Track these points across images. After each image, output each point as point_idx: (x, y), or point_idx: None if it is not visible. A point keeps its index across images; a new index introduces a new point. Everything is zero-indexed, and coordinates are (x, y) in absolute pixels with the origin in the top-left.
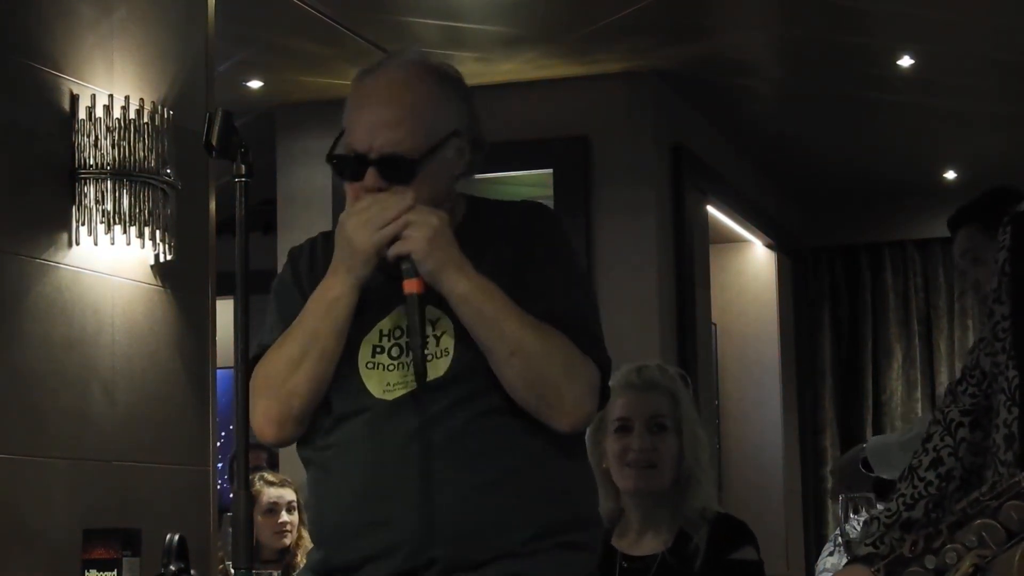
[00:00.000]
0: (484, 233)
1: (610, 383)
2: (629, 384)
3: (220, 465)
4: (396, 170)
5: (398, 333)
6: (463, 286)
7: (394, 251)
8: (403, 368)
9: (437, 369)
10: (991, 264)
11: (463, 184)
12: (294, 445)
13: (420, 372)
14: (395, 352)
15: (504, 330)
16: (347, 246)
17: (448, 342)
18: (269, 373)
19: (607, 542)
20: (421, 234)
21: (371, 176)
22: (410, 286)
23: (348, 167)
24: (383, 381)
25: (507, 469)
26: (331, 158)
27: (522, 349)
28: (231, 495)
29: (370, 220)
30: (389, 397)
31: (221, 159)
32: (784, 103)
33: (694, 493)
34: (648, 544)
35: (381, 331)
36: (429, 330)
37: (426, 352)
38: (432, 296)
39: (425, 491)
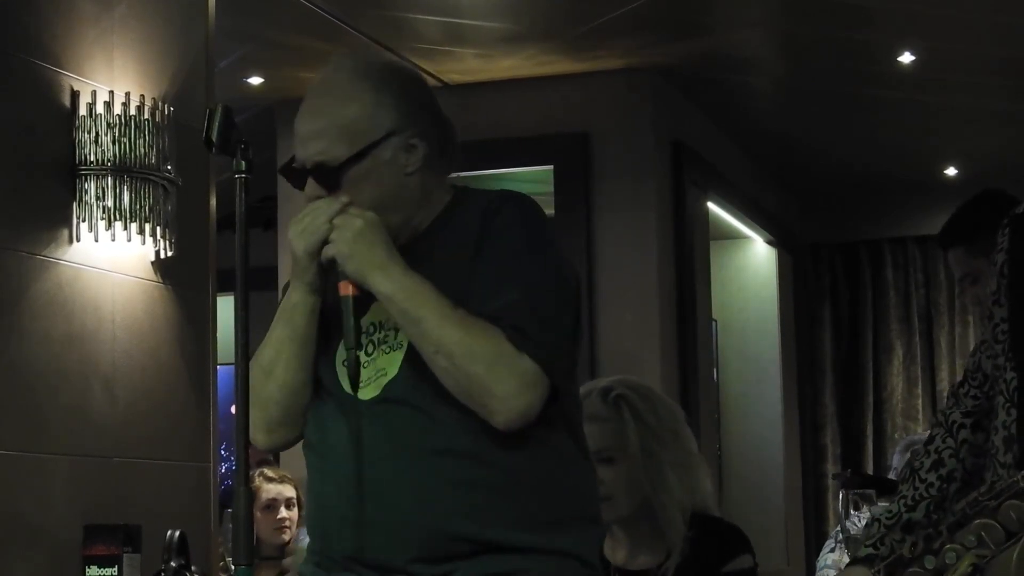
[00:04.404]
0: (459, 223)
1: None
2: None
3: (223, 454)
4: (325, 178)
5: (372, 329)
6: (387, 286)
7: (324, 255)
8: (374, 365)
9: (394, 362)
10: (987, 279)
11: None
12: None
13: (354, 376)
14: (370, 349)
15: (426, 329)
16: (292, 254)
17: (404, 336)
18: (252, 381)
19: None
20: (342, 237)
21: (310, 185)
22: (344, 288)
23: (293, 178)
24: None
25: (493, 467)
26: (280, 171)
27: (444, 347)
28: (231, 487)
29: (305, 227)
30: (361, 396)
31: (221, 155)
32: (785, 99)
33: (665, 519)
34: (642, 560)
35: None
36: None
37: (362, 356)
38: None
39: (405, 489)
